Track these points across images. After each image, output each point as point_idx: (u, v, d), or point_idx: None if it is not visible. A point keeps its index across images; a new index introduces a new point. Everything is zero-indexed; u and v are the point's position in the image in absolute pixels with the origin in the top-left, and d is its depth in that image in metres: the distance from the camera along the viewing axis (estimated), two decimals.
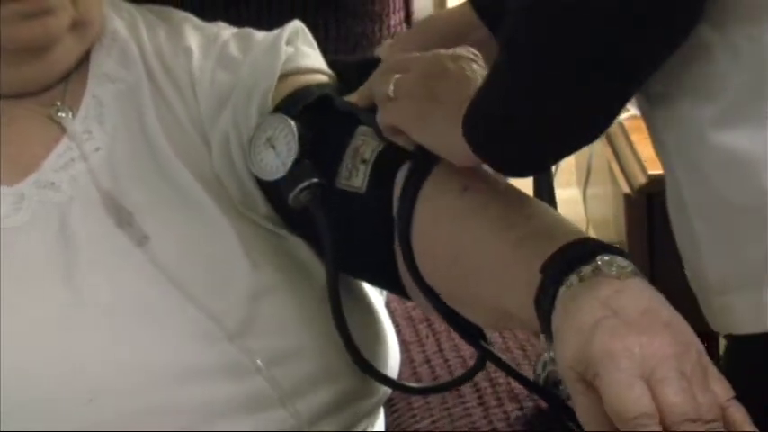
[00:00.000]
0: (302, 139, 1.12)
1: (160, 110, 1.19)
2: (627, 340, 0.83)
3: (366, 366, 1.13)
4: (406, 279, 1.11)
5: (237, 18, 1.32)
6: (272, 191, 1.16)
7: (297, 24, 1.23)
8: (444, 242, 1.06)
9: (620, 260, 0.90)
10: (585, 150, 2.10)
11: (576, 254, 0.91)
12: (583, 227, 2.26)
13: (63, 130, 1.17)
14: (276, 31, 1.22)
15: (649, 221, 1.83)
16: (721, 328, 0.99)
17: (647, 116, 1.01)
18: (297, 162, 1.12)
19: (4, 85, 1.16)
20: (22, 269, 1.10)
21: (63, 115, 1.17)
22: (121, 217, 1.13)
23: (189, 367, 1.08)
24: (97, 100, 1.19)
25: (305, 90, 1.17)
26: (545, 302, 0.91)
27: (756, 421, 0.91)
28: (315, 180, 1.11)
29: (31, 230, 1.12)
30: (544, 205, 1.07)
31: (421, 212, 1.07)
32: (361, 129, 1.13)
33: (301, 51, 1.20)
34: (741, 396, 0.93)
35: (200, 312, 1.10)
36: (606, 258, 0.90)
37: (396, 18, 1.47)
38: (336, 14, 1.43)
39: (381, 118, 1.09)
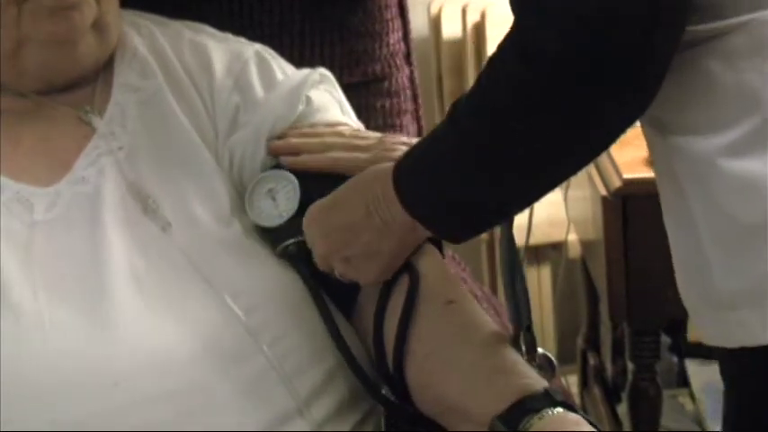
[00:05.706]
0: (303, 198, 1.19)
1: (186, 111, 1.25)
2: None
3: (377, 394, 1.16)
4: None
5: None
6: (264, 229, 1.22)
7: (316, 75, 1.28)
8: (418, 342, 1.12)
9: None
10: None
11: (555, 397, 1.03)
12: (564, 226, 2.29)
13: (93, 129, 1.22)
14: (299, 78, 1.28)
15: (624, 221, 1.84)
16: (734, 342, 0.99)
17: (653, 145, 1.03)
18: (293, 218, 1.18)
19: (34, 77, 1.21)
20: (57, 257, 1.14)
21: (92, 116, 1.23)
22: (147, 205, 1.18)
23: (204, 351, 1.11)
24: (120, 107, 1.24)
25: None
26: (520, 411, 1.02)
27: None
28: (303, 238, 1.17)
29: (65, 220, 1.17)
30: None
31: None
32: None
33: (314, 106, 1.26)
34: (749, 405, 1.04)
35: (215, 294, 1.14)
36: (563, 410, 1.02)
37: (394, 37, 1.52)
38: (341, 34, 1.49)
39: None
